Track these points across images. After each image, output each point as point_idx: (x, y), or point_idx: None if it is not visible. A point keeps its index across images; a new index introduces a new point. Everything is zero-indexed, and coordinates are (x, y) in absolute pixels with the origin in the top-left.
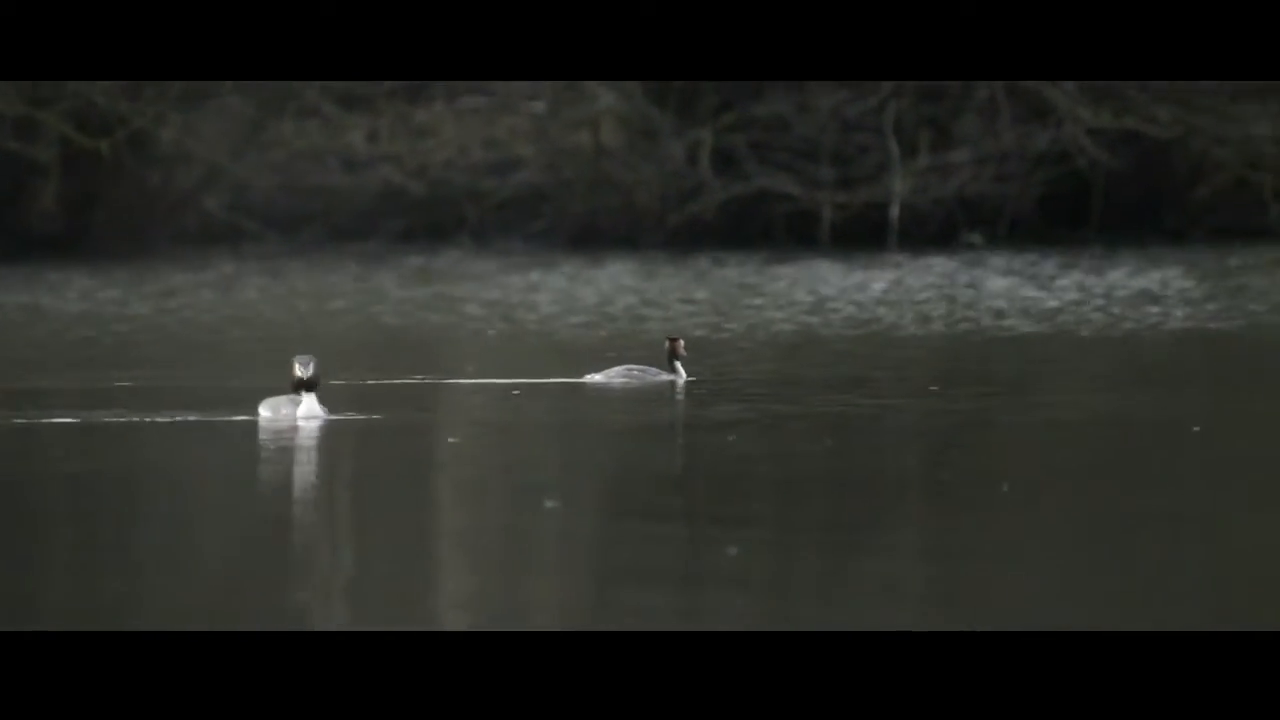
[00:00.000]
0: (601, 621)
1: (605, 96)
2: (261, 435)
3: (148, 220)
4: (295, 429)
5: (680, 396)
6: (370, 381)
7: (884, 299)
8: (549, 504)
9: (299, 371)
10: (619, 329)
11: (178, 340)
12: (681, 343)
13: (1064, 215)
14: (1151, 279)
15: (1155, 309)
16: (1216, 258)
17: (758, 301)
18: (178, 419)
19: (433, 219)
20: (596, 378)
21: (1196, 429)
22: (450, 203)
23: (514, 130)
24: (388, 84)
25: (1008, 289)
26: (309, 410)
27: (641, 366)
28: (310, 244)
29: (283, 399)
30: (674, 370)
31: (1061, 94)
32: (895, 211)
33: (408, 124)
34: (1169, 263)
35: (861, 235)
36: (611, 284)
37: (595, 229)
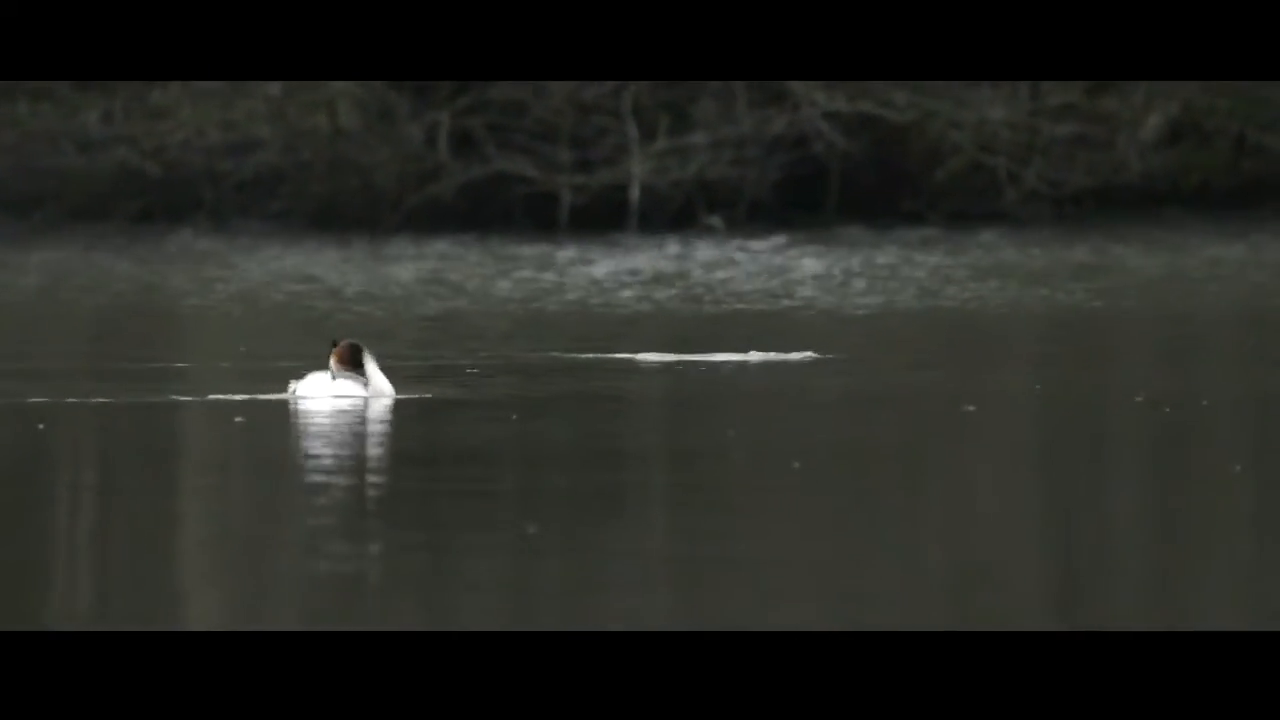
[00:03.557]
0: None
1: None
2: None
3: None
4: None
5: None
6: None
7: (624, 280)
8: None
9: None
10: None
11: None
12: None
13: (802, 198)
14: (890, 261)
15: (896, 289)
16: (955, 239)
17: (504, 284)
18: None
19: (170, 200)
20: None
21: (971, 408)
22: (187, 184)
23: (251, 112)
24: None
25: (751, 270)
26: (379, 386)
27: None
28: (45, 226)
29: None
30: None
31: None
32: (635, 194)
33: (143, 105)
34: (907, 244)
35: (601, 218)
36: (340, 264)
37: (334, 211)
